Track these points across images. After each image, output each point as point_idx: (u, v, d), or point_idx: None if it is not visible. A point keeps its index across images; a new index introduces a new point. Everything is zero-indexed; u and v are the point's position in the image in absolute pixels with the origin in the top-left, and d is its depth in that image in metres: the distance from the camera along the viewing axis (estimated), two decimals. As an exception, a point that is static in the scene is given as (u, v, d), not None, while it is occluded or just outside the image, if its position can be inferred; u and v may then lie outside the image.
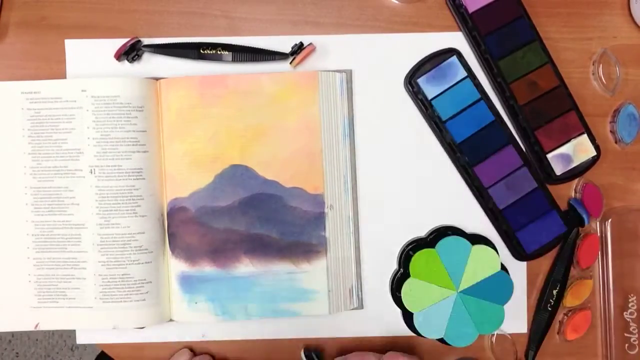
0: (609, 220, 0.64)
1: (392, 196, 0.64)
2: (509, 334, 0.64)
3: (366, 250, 0.64)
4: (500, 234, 0.64)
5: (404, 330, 0.63)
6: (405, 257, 0.62)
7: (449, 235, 0.62)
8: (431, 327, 0.62)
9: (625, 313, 0.64)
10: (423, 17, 0.64)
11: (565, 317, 0.65)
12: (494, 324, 0.62)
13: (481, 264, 0.61)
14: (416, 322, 0.62)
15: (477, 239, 0.63)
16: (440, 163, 0.64)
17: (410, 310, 0.61)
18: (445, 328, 0.61)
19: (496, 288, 0.62)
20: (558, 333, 0.65)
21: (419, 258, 0.61)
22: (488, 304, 0.62)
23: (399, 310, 0.63)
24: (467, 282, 0.61)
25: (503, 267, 0.62)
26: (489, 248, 0.62)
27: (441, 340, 0.62)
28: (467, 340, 0.62)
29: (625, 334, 0.64)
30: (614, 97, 0.64)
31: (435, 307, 0.62)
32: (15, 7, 0.63)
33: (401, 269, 0.63)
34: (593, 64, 0.64)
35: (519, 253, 0.64)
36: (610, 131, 0.65)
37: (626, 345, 0.64)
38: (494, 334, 0.64)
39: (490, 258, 0.62)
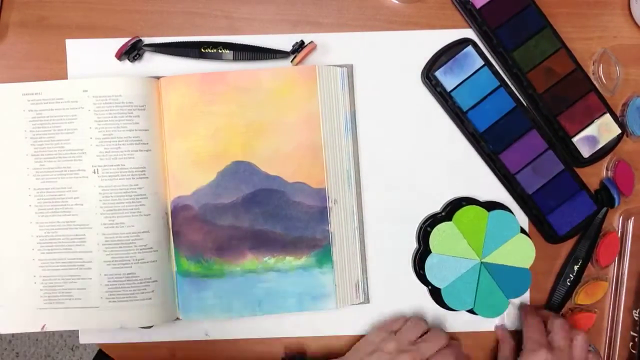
0: (632, 219, 0.64)
1: (396, 190, 0.64)
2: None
3: (371, 245, 0.64)
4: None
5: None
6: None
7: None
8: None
9: (634, 312, 0.64)
10: (423, 17, 0.64)
11: (570, 312, 0.65)
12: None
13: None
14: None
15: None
16: (445, 155, 0.64)
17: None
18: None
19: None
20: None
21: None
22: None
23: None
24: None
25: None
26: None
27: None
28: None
29: (632, 333, 0.64)
30: (614, 97, 0.64)
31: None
32: (15, 7, 0.63)
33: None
34: (593, 64, 0.64)
35: (550, 236, 0.64)
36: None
37: (630, 343, 0.64)
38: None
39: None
